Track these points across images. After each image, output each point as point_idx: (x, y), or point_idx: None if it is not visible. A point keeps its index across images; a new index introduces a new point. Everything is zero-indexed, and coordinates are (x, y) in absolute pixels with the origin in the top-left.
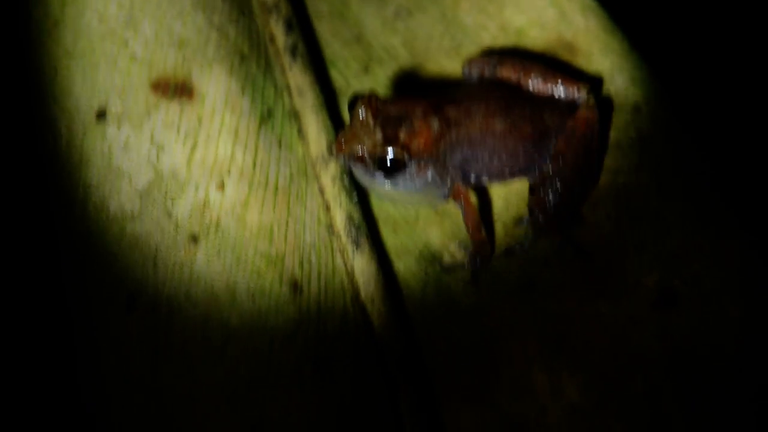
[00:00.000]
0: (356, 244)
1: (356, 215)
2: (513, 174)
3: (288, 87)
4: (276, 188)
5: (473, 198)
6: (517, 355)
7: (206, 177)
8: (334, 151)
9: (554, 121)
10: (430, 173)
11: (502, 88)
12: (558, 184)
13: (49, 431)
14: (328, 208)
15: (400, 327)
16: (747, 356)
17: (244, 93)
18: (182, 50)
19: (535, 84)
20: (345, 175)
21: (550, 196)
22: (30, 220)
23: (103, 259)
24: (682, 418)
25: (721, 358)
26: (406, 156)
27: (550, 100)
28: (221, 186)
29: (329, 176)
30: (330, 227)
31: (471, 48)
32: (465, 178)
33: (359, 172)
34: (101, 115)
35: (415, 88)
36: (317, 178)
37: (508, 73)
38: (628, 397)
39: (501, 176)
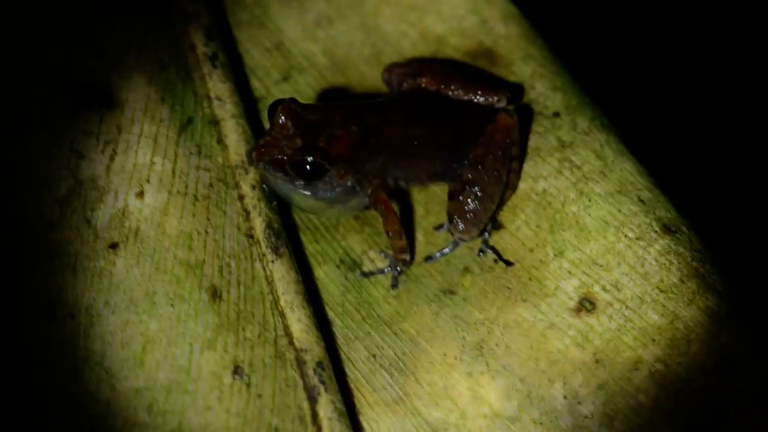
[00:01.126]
0: (276, 251)
1: (276, 222)
2: (431, 178)
3: (208, 95)
4: (195, 196)
5: (394, 205)
6: (437, 360)
7: (125, 185)
8: (254, 158)
9: (473, 127)
10: (350, 180)
11: (422, 96)
12: (477, 191)
13: None
14: (247, 216)
15: (319, 333)
16: (665, 362)
17: (164, 101)
18: (102, 59)
19: (454, 91)
20: (265, 183)
21: (469, 203)
22: None
23: (23, 267)
24: (601, 423)
25: (641, 363)
26: (326, 162)
27: (470, 107)
28: (141, 194)
29: (249, 183)
30: (249, 234)
31: (392, 56)
32: (384, 183)
33: (279, 184)
34: (21, 125)
35: (336, 96)
36: (237, 185)
37: (428, 81)
38: (547, 402)
39: (419, 181)
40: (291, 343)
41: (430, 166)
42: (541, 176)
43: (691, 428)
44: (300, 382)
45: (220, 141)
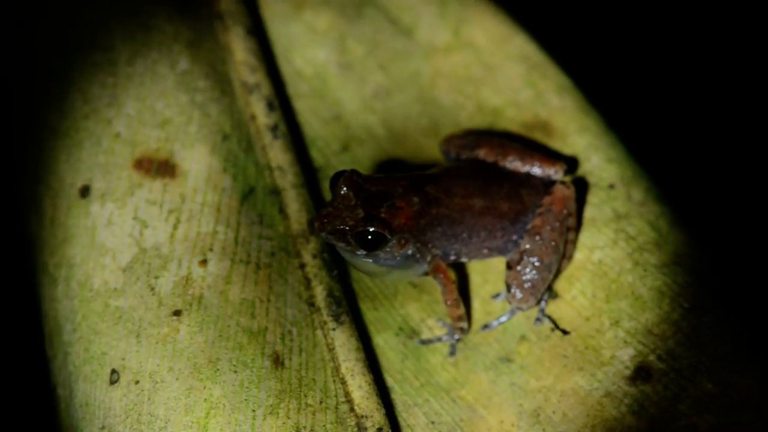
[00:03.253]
0: (337, 318)
1: (337, 290)
2: (491, 252)
3: (269, 165)
4: (258, 264)
5: (452, 274)
6: (494, 427)
7: (189, 253)
8: (316, 228)
9: (531, 198)
10: (410, 249)
11: (480, 167)
12: (534, 261)
13: None
14: (308, 284)
15: (379, 400)
16: (722, 430)
17: (226, 171)
18: (165, 129)
19: (512, 163)
20: (325, 252)
21: (527, 272)
22: (12, 298)
23: (87, 334)
24: None
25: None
26: (387, 232)
27: (527, 178)
28: (204, 262)
29: (310, 252)
30: (311, 302)
31: (448, 127)
32: (444, 256)
33: (340, 248)
34: (85, 191)
35: (395, 167)
36: (298, 254)
37: (485, 152)
38: None
39: (479, 255)
40: (352, 409)
41: (490, 239)
42: (597, 246)
43: None
44: None
45: (282, 210)
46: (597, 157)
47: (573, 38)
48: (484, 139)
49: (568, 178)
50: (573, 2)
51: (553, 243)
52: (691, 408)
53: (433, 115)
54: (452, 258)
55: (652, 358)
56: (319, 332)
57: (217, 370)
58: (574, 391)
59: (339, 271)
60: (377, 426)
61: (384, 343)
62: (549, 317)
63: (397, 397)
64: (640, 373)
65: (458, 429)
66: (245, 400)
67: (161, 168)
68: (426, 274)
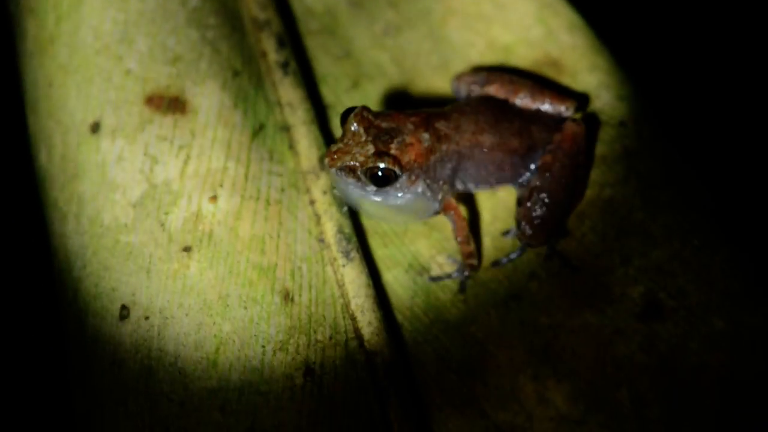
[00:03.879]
0: (346, 255)
1: (346, 227)
2: (499, 182)
3: (279, 102)
4: (268, 200)
5: (462, 211)
6: (504, 364)
7: (199, 189)
8: (326, 164)
9: (541, 135)
10: (420, 186)
11: (491, 104)
12: (544, 197)
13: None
14: (318, 220)
15: (389, 336)
16: (730, 368)
17: (237, 107)
18: (176, 65)
19: (522, 100)
20: (335, 188)
21: (537, 209)
22: (23, 233)
23: (97, 270)
24: (667, 428)
25: (706, 369)
26: (397, 168)
27: (538, 115)
28: (214, 198)
29: (320, 189)
30: (321, 239)
31: (459, 65)
32: (452, 187)
33: (349, 190)
34: (96, 128)
35: (405, 104)
36: (308, 190)
37: (496, 89)
38: (614, 406)
39: (487, 184)
40: (361, 345)
41: (498, 172)
42: (607, 184)
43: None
44: (370, 384)
45: (292, 147)
46: (608, 94)
47: None
48: (494, 76)
49: (578, 116)
50: None
51: (563, 180)
52: (701, 346)
53: (443, 52)
54: (459, 187)
55: (662, 295)
56: (329, 268)
57: (227, 306)
58: (584, 328)
59: (348, 207)
60: (386, 362)
61: (394, 279)
62: (559, 254)
63: (407, 333)
64: (650, 310)
65: (467, 366)
66: (255, 335)
67: (172, 104)
68: (437, 213)
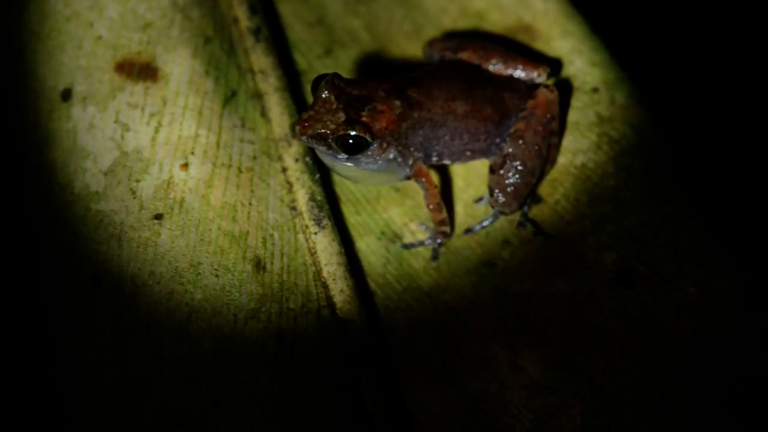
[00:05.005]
0: (318, 222)
1: (319, 194)
2: (474, 154)
3: (251, 69)
4: (239, 168)
5: (435, 178)
6: (477, 332)
7: (170, 156)
8: (297, 132)
9: (514, 102)
10: (392, 153)
11: (463, 70)
12: (517, 165)
13: (18, 406)
14: (290, 188)
15: (361, 304)
16: (703, 335)
17: (208, 74)
18: (146, 32)
19: (495, 66)
20: (308, 156)
21: (510, 176)
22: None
23: (68, 238)
24: (639, 394)
25: (678, 336)
26: (368, 136)
27: (510, 82)
28: (185, 165)
29: (292, 156)
30: (293, 206)
31: (432, 31)
32: (426, 158)
33: (322, 152)
34: (66, 95)
35: (378, 71)
36: (280, 158)
37: (468, 55)
38: (586, 373)
39: (462, 157)
40: (333, 313)
41: (473, 142)
42: (580, 150)
43: (727, 398)
44: (343, 352)
45: (264, 114)
46: (580, 60)
47: None
48: (467, 42)
49: (551, 82)
50: None
51: (536, 147)
52: (673, 312)
53: (416, 18)
54: (434, 160)
55: (634, 262)
56: (300, 236)
57: (199, 274)
58: (557, 295)
59: (321, 175)
60: (359, 330)
61: (366, 247)
62: (532, 221)
63: (379, 301)
64: (623, 276)
65: (440, 333)
66: (226, 304)
67: (143, 71)
68: (408, 178)
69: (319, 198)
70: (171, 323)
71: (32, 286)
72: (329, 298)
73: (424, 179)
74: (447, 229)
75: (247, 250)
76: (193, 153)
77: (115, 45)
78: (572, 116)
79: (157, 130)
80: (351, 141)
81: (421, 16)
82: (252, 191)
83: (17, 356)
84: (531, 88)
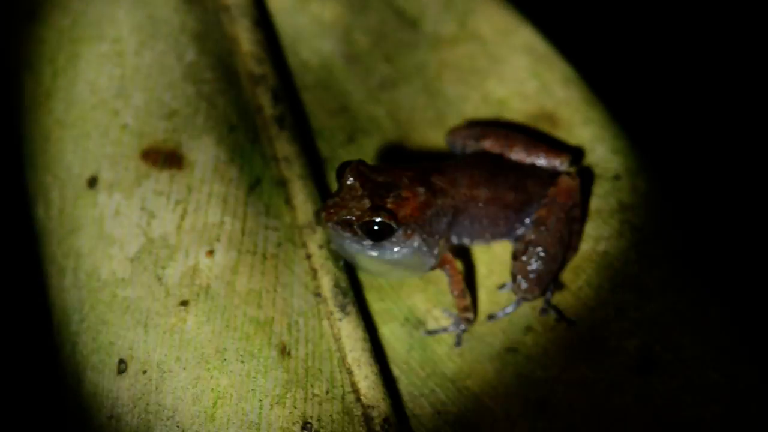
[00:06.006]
0: (343, 309)
1: (343, 281)
2: (494, 237)
3: (275, 156)
4: (264, 255)
5: (458, 264)
6: (500, 417)
7: (196, 243)
8: (323, 218)
9: (536, 189)
10: (416, 240)
11: (486, 158)
12: (540, 251)
13: None
14: (315, 274)
15: (386, 390)
16: (725, 422)
17: (233, 162)
18: (172, 120)
19: (517, 154)
20: (332, 242)
21: (532, 263)
22: (20, 287)
23: (94, 324)
24: None
25: (701, 423)
26: (393, 222)
27: (533, 169)
28: (211, 252)
29: (316, 243)
30: (317, 293)
31: (454, 119)
32: (448, 241)
33: (346, 245)
34: (92, 182)
35: (401, 158)
36: (304, 245)
37: (491, 144)
38: None
39: (482, 239)
40: (358, 399)
41: (492, 226)
42: (602, 237)
43: None
44: None
45: (288, 201)
46: (602, 148)
47: (578, 30)
48: (489, 130)
49: (573, 169)
50: None
51: (558, 234)
52: (696, 398)
53: (438, 106)
54: (454, 240)
55: (657, 348)
56: (325, 322)
57: (225, 359)
58: (580, 381)
59: (345, 262)
60: (383, 416)
61: (390, 333)
62: (554, 307)
63: (403, 387)
64: (646, 363)
65: (464, 419)
66: (252, 389)
67: (168, 159)
68: (433, 268)
69: (343, 284)
70: (197, 409)
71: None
72: (354, 384)
73: (449, 266)
74: (470, 315)
75: (273, 336)
76: (218, 240)
77: (140, 133)
78: (594, 203)
79: (182, 218)
80: (376, 227)
81: (443, 103)
82: (277, 278)
83: None
84: (553, 175)
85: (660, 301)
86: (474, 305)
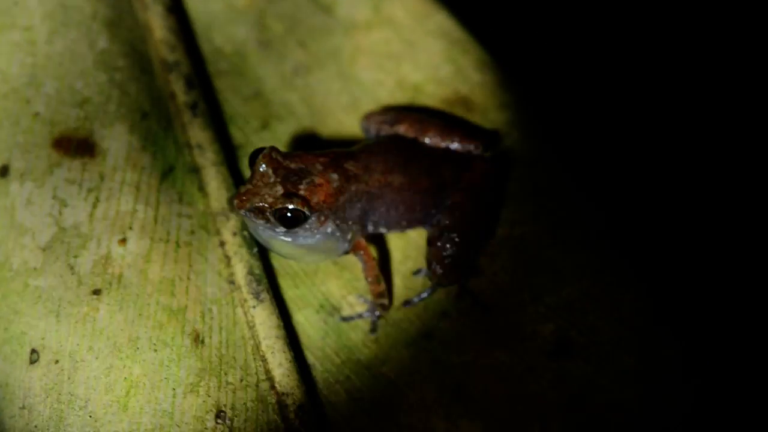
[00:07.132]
0: (257, 296)
1: (257, 268)
2: (410, 224)
3: (189, 143)
4: (177, 243)
5: (372, 250)
6: (416, 403)
7: (108, 232)
8: (235, 206)
9: (451, 174)
10: (330, 227)
11: (400, 143)
12: (454, 236)
13: None
14: (228, 262)
15: (300, 377)
16: (641, 405)
17: (146, 149)
18: (84, 108)
19: (432, 139)
20: (245, 230)
21: (447, 248)
22: None
23: (6, 314)
24: None
25: (616, 407)
26: (306, 209)
27: (447, 154)
28: (123, 241)
29: (230, 230)
30: (231, 280)
31: (369, 104)
32: (363, 228)
33: (259, 230)
34: (4, 171)
35: (315, 144)
36: (218, 232)
37: (405, 129)
38: None
39: (398, 227)
40: (272, 387)
41: (408, 213)
42: (518, 222)
43: None
44: (282, 426)
45: (201, 188)
46: (517, 132)
47: (492, 14)
48: (404, 115)
49: (488, 154)
50: None
51: (473, 219)
52: (612, 382)
53: (353, 92)
54: (370, 229)
55: (573, 332)
56: (239, 310)
57: (137, 348)
58: (495, 366)
59: (259, 248)
60: (298, 403)
61: (305, 320)
62: (470, 293)
63: (318, 374)
64: (561, 347)
65: (379, 406)
66: (165, 378)
67: (80, 147)
68: (346, 252)
69: (257, 272)
70: (110, 398)
71: None
72: (268, 372)
73: (362, 252)
74: (385, 301)
75: (186, 325)
76: (131, 228)
77: (52, 121)
78: (510, 187)
79: (94, 206)
80: (289, 214)
81: (357, 89)
82: (190, 266)
83: None
84: (468, 160)
85: (575, 285)
86: (389, 291)
